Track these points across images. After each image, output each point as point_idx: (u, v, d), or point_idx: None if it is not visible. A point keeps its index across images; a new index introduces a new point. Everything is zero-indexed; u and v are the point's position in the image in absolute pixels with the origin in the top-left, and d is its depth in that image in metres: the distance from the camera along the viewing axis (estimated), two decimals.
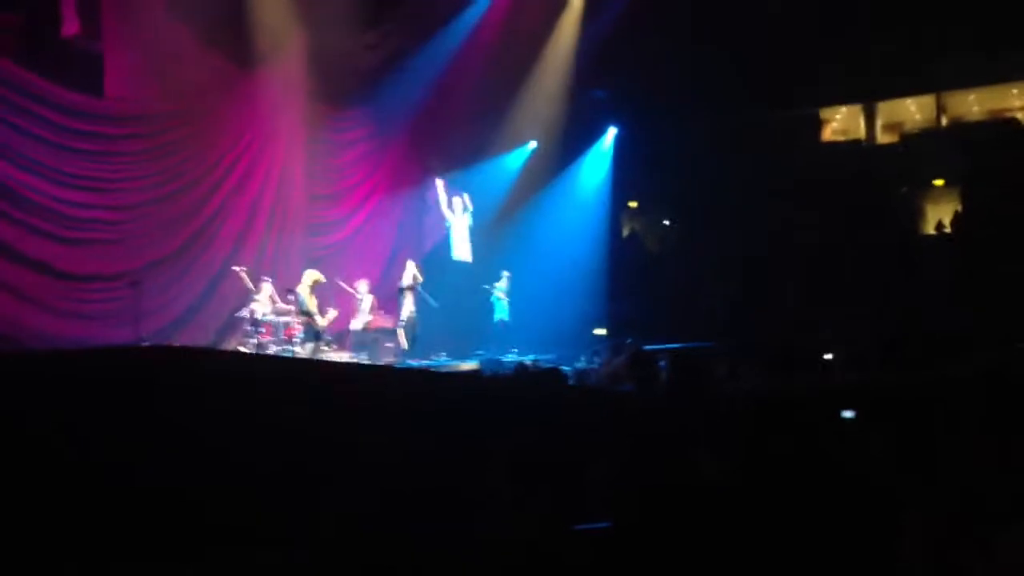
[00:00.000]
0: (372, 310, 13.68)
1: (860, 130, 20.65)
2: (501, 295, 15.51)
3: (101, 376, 4.43)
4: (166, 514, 4.17)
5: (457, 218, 15.87)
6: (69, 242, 11.67)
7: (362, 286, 13.75)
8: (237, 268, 12.35)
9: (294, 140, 14.19)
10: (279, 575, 3.91)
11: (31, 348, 10.03)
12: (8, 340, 10.53)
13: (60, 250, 11.53)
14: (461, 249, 15.95)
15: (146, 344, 9.51)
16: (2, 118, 10.86)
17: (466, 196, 15.97)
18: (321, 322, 12.16)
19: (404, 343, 13.64)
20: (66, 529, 4.00)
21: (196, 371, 4.88)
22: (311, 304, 11.99)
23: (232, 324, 12.59)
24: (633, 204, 20.72)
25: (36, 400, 4.19)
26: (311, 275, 12.18)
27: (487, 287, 15.42)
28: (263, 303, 12.27)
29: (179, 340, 11.72)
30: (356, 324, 13.58)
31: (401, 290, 13.92)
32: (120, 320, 11.12)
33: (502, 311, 15.47)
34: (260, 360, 8.10)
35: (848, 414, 4.10)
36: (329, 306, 12.83)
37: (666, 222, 20.67)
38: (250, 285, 12.30)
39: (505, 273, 15.75)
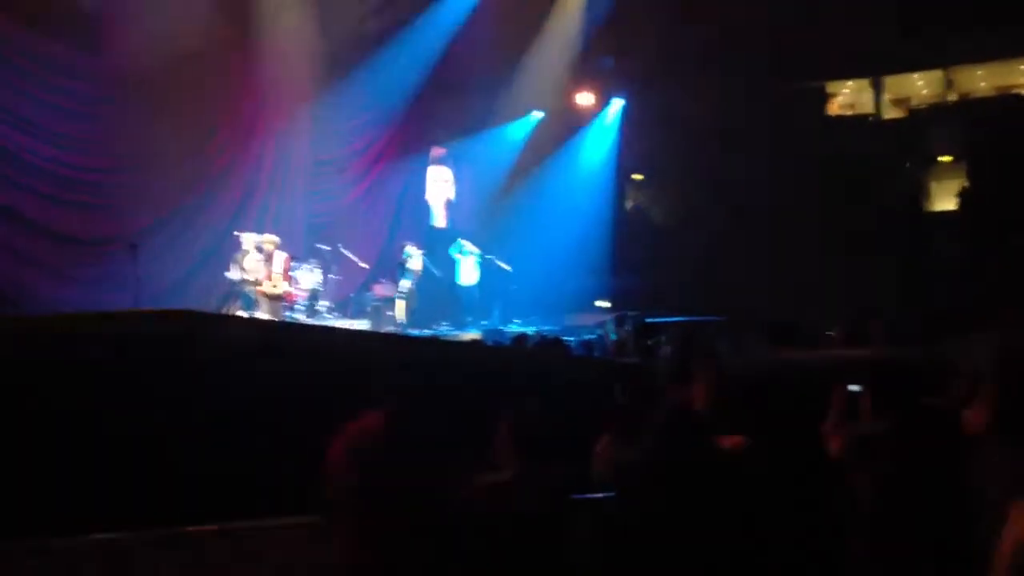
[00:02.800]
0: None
1: (867, 104, 20.48)
2: (464, 258, 14.92)
3: (106, 339, 4.40)
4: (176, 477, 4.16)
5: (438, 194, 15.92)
6: (67, 204, 11.62)
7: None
8: (238, 232, 12.26)
9: (297, 104, 14.07)
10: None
11: (37, 313, 9.96)
12: (7, 302, 10.49)
13: (59, 213, 11.48)
14: (440, 219, 16.06)
15: (146, 309, 9.45)
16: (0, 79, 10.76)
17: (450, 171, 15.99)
18: (268, 288, 11.84)
19: (401, 315, 13.60)
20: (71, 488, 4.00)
21: (197, 335, 4.84)
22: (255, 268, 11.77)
23: (233, 289, 12.52)
24: (638, 176, 20.59)
25: (40, 365, 4.17)
26: (252, 239, 11.93)
27: (490, 257, 15.26)
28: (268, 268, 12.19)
29: (178, 305, 11.66)
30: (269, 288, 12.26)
31: (402, 265, 13.86)
32: (118, 283, 11.06)
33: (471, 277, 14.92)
34: (260, 325, 8.07)
35: (855, 388, 4.06)
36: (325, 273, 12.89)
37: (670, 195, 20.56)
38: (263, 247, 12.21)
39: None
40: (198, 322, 5.54)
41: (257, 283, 11.83)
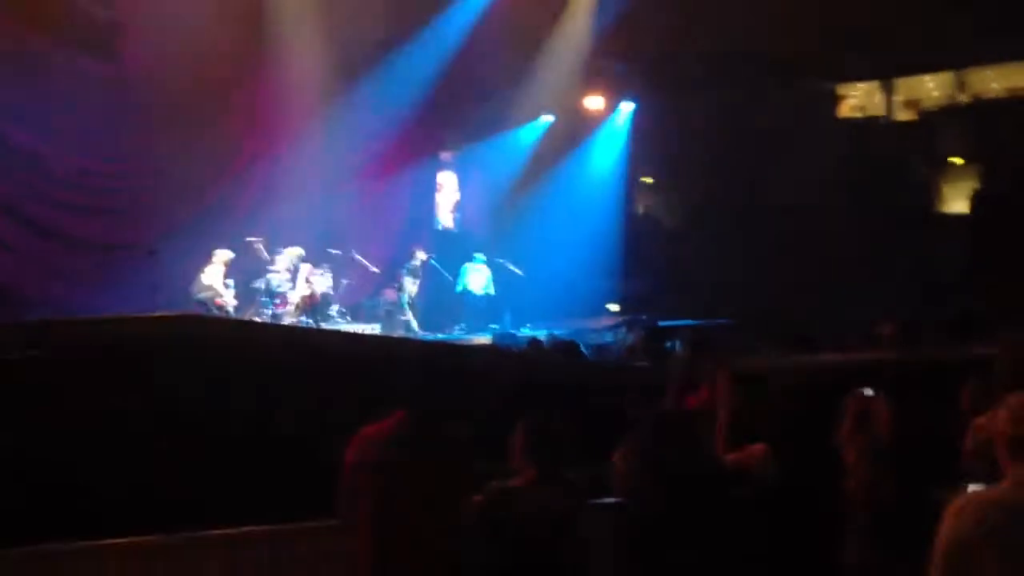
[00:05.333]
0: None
1: (878, 106, 20.44)
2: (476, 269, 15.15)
3: (122, 342, 4.46)
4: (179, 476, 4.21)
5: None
6: (87, 211, 11.77)
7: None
8: (252, 239, 12.34)
9: (310, 111, 14.13)
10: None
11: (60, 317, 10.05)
12: (27, 307, 10.59)
13: (79, 219, 11.62)
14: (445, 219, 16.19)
15: (163, 313, 9.52)
16: (20, 85, 10.88)
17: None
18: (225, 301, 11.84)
19: (412, 320, 13.69)
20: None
21: (212, 340, 4.90)
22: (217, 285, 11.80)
23: (248, 295, 12.60)
24: (648, 180, 20.60)
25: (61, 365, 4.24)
26: (223, 255, 11.92)
27: (501, 261, 15.33)
28: (279, 274, 12.29)
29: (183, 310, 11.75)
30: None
31: (410, 269, 13.95)
32: (136, 289, 11.15)
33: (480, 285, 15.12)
34: (274, 329, 8.13)
35: (868, 392, 4.08)
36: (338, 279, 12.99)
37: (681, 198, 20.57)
38: (266, 256, 12.30)
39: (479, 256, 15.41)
40: (210, 326, 5.62)
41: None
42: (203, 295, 11.56)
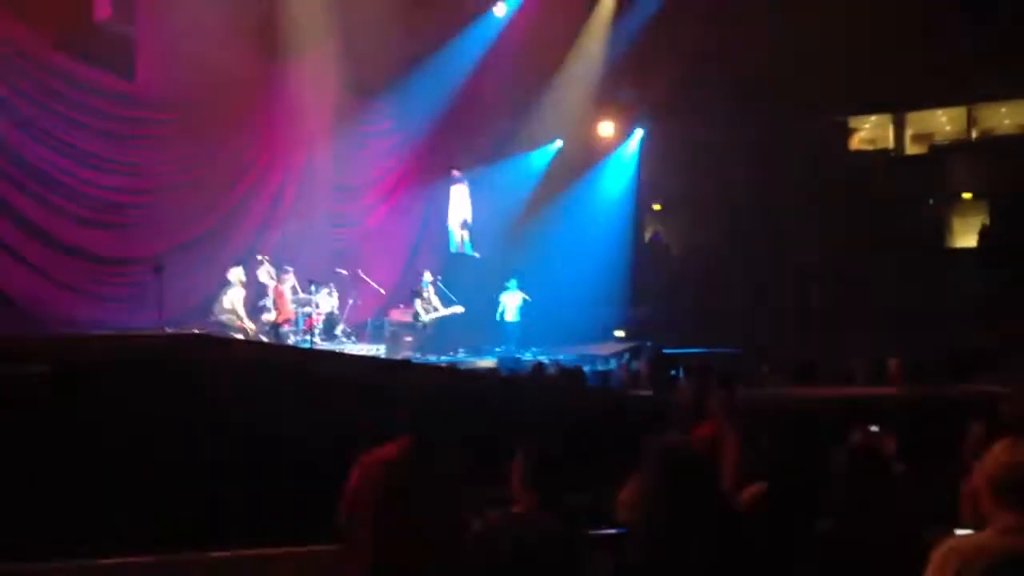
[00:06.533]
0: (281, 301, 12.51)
1: (889, 140, 20.46)
2: (510, 298, 15.41)
3: (126, 360, 4.46)
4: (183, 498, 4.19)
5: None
6: (98, 224, 11.84)
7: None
8: (260, 257, 12.37)
9: (321, 130, 14.21)
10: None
11: (63, 332, 10.08)
12: (34, 321, 10.63)
13: (87, 233, 11.70)
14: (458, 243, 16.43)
15: (168, 331, 9.55)
16: (35, 100, 11.01)
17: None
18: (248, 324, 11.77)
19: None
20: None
21: (217, 359, 4.90)
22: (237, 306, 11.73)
23: (253, 313, 12.61)
24: (657, 207, 20.63)
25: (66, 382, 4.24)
26: (238, 274, 11.84)
27: (508, 286, 15.37)
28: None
29: (200, 328, 11.77)
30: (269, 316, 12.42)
31: (416, 293, 13.99)
32: (142, 304, 11.18)
33: (511, 312, 15.39)
34: (278, 350, 8.13)
35: (873, 429, 4.06)
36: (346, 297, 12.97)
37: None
38: (273, 273, 12.33)
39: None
40: (212, 347, 5.61)
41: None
42: (224, 317, 11.55)
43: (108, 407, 4.32)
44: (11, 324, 10.40)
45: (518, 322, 15.25)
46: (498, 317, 15.30)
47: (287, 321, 12.32)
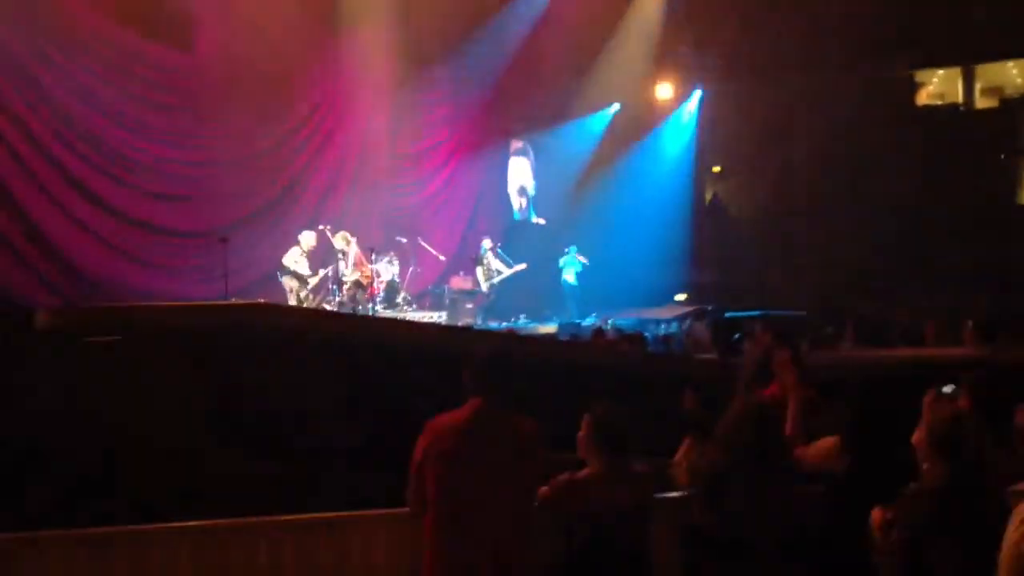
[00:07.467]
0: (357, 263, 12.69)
1: (958, 94, 19.83)
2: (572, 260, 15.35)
3: (198, 328, 4.57)
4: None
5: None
6: (163, 198, 12.12)
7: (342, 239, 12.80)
8: (322, 227, 12.50)
9: (379, 99, 14.27)
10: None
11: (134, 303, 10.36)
12: (104, 292, 10.93)
13: (155, 206, 12.00)
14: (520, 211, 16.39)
15: (234, 300, 9.75)
16: (100, 75, 11.25)
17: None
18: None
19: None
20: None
21: (282, 328, 4.98)
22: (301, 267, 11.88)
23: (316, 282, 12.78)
24: (717, 168, 20.32)
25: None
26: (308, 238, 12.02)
27: (568, 250, 15.33)
28: (346, 262, 12.43)
29: (264, 297, 11.97)
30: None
31: (477, 260, 14.05)
32: (209, 275, 11.42)
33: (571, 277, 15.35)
34: (342, 318, 8.23)
35: (947, 389, 3.97)
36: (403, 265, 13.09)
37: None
38: (335, 243, 12.46)
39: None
40: (280, 314, 5.70)
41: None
42: (284, 278, 11.82)
43: (183, 372, 4.44)
44: (84, 296, 10.73)
45: (577, 287, 15.20)
46: (563, 280, 15.26)
47: (371, 283, 12.44)
